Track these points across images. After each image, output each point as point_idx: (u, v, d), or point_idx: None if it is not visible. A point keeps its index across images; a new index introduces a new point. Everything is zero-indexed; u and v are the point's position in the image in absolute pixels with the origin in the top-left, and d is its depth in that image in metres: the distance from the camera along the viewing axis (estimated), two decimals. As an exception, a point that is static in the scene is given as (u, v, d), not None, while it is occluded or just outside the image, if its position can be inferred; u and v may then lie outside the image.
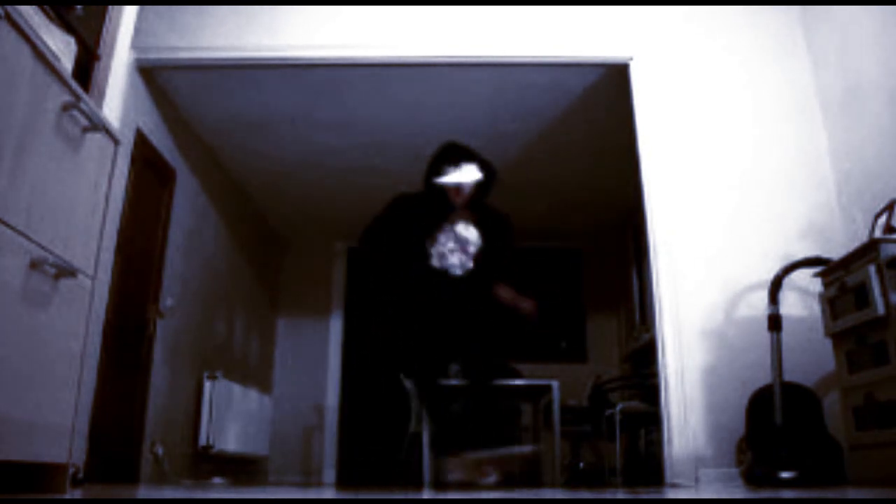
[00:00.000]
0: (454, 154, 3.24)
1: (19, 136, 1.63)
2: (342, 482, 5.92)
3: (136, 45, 3.46)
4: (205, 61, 3.81)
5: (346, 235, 6.78)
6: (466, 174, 3.18)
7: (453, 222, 3.24)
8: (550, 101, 4.36)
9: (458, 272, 3.18)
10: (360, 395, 6.50)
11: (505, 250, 3.30)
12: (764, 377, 2.99)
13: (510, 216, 3.38)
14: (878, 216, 2.83)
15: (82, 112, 1.90)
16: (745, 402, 2.99)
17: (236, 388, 5.13)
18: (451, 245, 3.20)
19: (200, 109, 4.49)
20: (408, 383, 4.68)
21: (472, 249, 3.22)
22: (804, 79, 3.64)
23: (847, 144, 3.34)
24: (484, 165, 3.24)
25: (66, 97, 1.84)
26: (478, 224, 3.26)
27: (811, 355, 3.06)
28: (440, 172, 3.19)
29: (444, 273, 3.18)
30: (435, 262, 3.19)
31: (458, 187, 3.18)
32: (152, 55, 3.73)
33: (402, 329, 3.32)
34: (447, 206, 3.23)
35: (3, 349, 1.58)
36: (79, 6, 2.08)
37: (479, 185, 3.23)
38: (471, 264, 3.20)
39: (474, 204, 3.26)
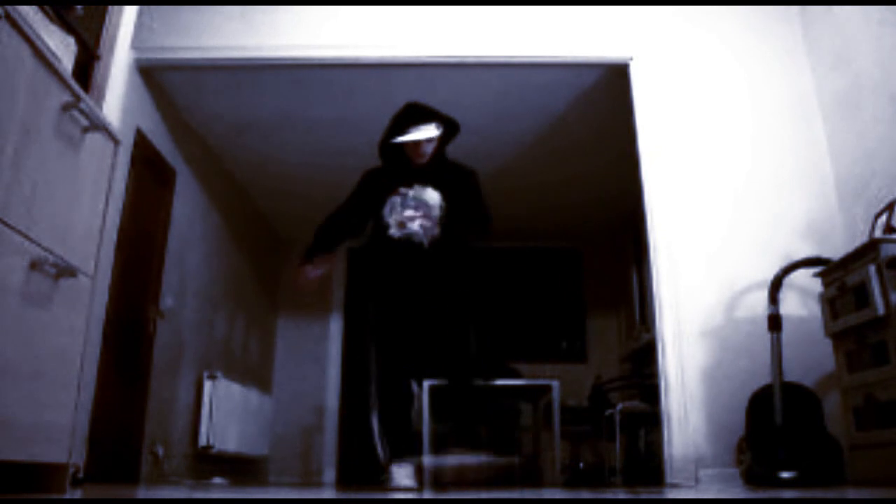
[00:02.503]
0: (410, 112, 3.01)
1: (19, 136, 1.63)
2: (342, 482, 5.92)
3: (136, 45, 3.46)
4: (205, 61, 3.81)
5: (346, 235, 6.78)
6: (422, 131, 2.94)
7: (410, 186, 3.00)
8: (550, 101, 4.36)
9: (423, 241, 2.91)
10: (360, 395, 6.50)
11: (470, 207, 3.00)
12: (764, 377, 2.99)
13: (476, 173, 3.11)
14: (878, 216, 2.84)
15: (82, 112, 1.90)
16: (745, 402, 2.99)
17: (236, 388, 5.13)
18: (409, 212, 2.94)
19: (200, 109, 4.49)
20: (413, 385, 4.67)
21: (435, 213, 2.95)
22: (804, 78, 3.64)
23: (847, 144, 3.34)
24: (443, 120, 3.01)
25: (66, 97, 1.84)
26: (438, 185, 3.00)
27: (811, 355, 3.06)
28: (397, 132, 2.98)
29: (406, 242, 2.92)
30: (394, 232, 2.95)
31: (416, 144, 2.96)
32: (152, 55, 3.73)
33: (370, 315, 3.03)
34: (408, 169, 3.02)
35: (3, 349, 1.58)
36: (79, 6, 2.08)
37: (440, 140, 3.01)
38: (436, 231, 2.94)
39: (437, 163, 3.04)
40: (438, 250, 2.94)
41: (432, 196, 2.98)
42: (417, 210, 2.95)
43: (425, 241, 2.93)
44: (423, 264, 2.93)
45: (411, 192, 2.99)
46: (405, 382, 2.98)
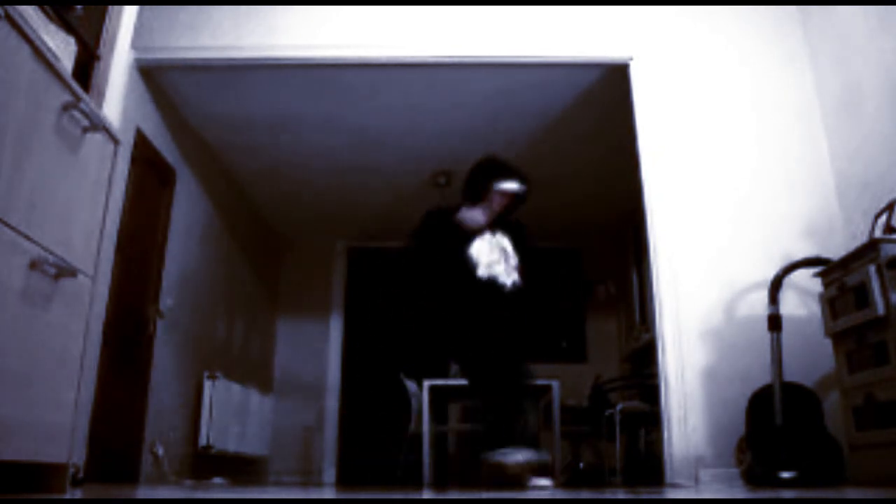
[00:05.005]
0: (504, 164, 3.21)
1: (19, 136, 1.63)
2: (342, 482, 5.92)
3: (136, 45, 3.46)
4: (205, 61, 3.81)
5: (346, 235, 6.78)
6: (519, 184, 3.13)
7: (491, 232, 3.16)
8: (550, 101, 4.36)
9: (507, 284, 3.08)
10: (360, 395, 6.50)
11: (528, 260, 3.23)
12: (764, 377, 2.99)
13: (527, 226, 3.33)
14: (878, 216, 2.84)
15: (82, 112, 1.90)
16: (745, 402, 2.99)
17: (236, 388, 5.13)
18: (495, 255, 3.11)
19: (200, 109, 4.49)
20: (410, 384, 4.68)
21: (512, 262, 3.14)
22: (804, 78, 3.64)
23: (847, 144, 3.34)
24: (526, 181, 3.19)
25: (66, 97, 1.84)
26: (507, 234, 3.20)
27: (811, 355, 3.06)
28: (494, 179, 3.11)
29: (492, 284, 3.07)
30: (482, 272, 3.08)
31: (504, 196, 3.11)
32: (152, 55, 3.73)
33: (448, 338, 3.20)
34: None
35: (3, 349, 1.58)
36: (79, 6, 2.08)
37: (516, 200, 3.18)
38: (516, 277, 3.12)
39: (501, 217, 3.20)
40: (519, 294, 3.11)
41: (507, 244, 3.17)
42: (501, 255, 3.12)
43: (508, 285, 3.09)
44: (504, 305, 3.07)
45: (493, 238, 3.15)
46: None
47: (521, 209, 3.24)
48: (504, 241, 3.17)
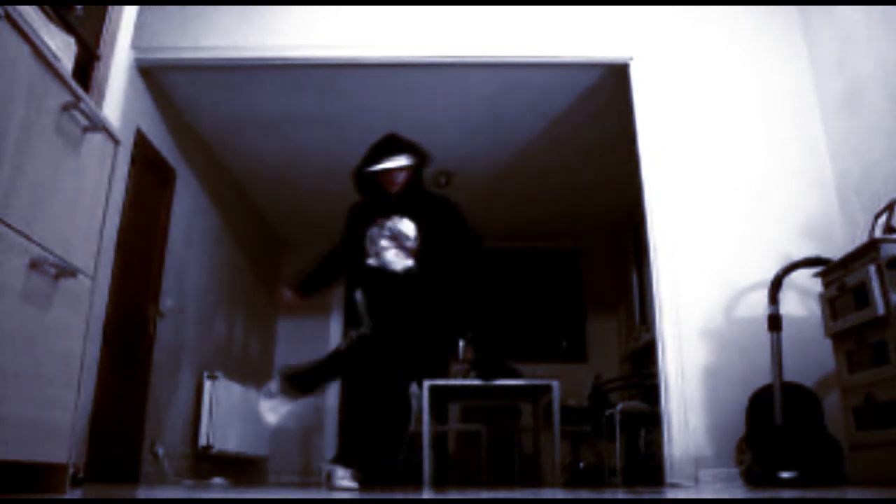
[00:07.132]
0: (384, 143, 3.15)
1: (19, 136, 1.63)
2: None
3: (136, 45, 3.46)
4: (205, 61, 3.81)
5: (346, 235, 6.77)
6: (393, 160, 3.07)
7: (388, 217, 3.12)
8: (550, 101, 4.36)
9: (398, 269, 3.06)
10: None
11: (449, 237, 3.13)
12: (764, 377, 2.99)
13: (457, 204, 3.24)
14: (878, 216, 2.84)
15: (82, 112, 1.90)
16: (745, 402, 2.99)
17: (236, 388, 5.13)
18: (384, 242, 3.09)
19: (200, 109, 4.49)
20: (412, 386, 4.68)
21: (408, 244, 3.07)
22: (804, 79, 3.64)
23: (847, 144, 3.34)
24: (415, 151, 3.14)
25: (66, 97, 1.84)
26: (415, 216, 3.11)
27: (811, 355, 3.06)
28: (372, 162, 3.11)
29: (381, 270, 3.08)
30: (372, 261, 3.09)
31: (388, 173, 3.08)
32: (152, 55, 3.73)
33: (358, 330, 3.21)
34: (386, 200, 3.14)
35: (3, 349, 1.58)
36: (79, 6, 2.08)
37: (413, 171, 3.14)
38: (410, 261, 3.07)
39: (412, 194, 3.15)
40: (412, 278, 3.07)
41: (408, 227, 3.11)
42: (392, 241, 3.10)
43: (398, 270, 3.07)
44: (397, 290, 3.06)
45: (388, 223, 3.12)
46: (373, 396, 3.27)
47: (424, 177, 3.25)
48: (402, 224, 3.10)
